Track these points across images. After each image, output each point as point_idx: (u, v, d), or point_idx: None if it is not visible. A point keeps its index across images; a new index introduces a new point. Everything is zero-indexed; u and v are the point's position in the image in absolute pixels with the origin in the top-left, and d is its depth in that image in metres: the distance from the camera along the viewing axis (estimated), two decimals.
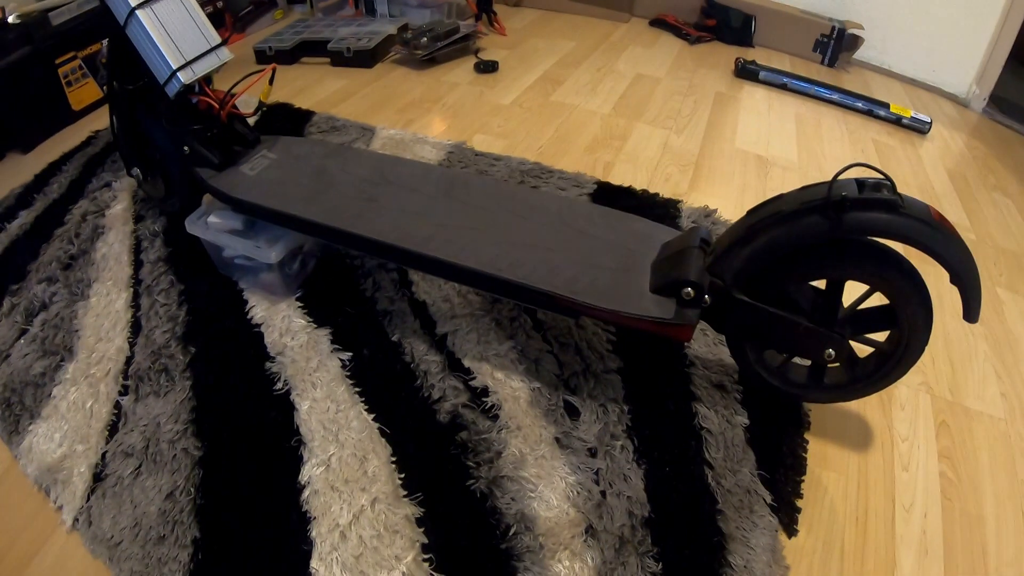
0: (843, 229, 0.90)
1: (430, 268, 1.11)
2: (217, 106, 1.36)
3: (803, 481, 1.08)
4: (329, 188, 1.27)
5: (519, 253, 1.09)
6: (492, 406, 1.16)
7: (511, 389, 1.19)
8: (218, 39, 1.38)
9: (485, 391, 1.18)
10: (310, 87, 2.38)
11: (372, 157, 1.38)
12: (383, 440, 1.10)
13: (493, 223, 1.17)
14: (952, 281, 0.93)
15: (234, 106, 1.39)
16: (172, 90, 1.32)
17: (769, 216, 0.96)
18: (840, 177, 0.91)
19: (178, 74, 1.29)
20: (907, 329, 0.99)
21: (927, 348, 1.03)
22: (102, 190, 1.74)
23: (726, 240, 1.02)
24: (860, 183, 0.91)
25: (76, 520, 1.01)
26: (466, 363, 1.24)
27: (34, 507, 1.05)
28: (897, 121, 2.29)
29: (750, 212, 1.02)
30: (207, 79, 1.37)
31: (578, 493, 1.03)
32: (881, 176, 0.91)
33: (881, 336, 1.06)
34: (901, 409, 1.22)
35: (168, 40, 1.29)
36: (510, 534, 0.98)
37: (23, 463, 1.10)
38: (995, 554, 1.00)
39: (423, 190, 1.25)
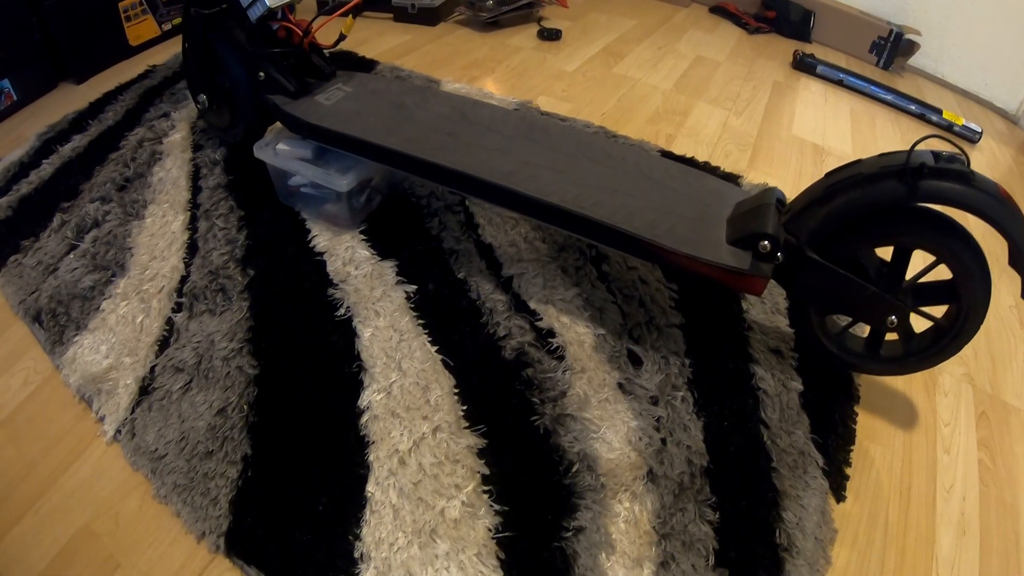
0: (918, 195, 0.91)
1: (512, 203, 1.10)
2: (300, 33, 1.36)
3: (852, 450, 1.09)
4: (408, 121, 1.27)
5: (600, 195, 1.09)
6: (557, 348, 1.17)
7: (576, 334, 1.20)
8: None
9: (551, 333, 1.19)
10: (373, 39, 2.38)
11: (450, 97, 1.37)
12: (446, 371, 1.11)
13: (574, 166, 1.17)
14: (1011, 261, 0.95)
15: (315, 36, 1.39)
16: (255, 14, 1.32)
17: (848, 178, 0.97)
18: (917, 147, 0.92)
19: None
20: (966, 304, 1.00)
21: (970, 343, 1.03)
22: (160, 119, 1.74)
23: (803, 200, 1.03)
24: (936, 154, 0.92)
25: (118, 431, 1.01)
26: (532, 305, 1.25)
27: (72, 417, 1.05)
28: (948, 128, 2.27)
29: (828, 174, 1.03)
30: (290, 7, 1.37)
31: (640, 438, 1.04)
32: (956, 150, 0.92)
33: (938, 312, 1.07)
34: (944, 396, 1.23)
35: None
36: (572, 471, 0.98)
37: (65, 373, 1.10)
38: None
39: (502, 130, 1.25)
